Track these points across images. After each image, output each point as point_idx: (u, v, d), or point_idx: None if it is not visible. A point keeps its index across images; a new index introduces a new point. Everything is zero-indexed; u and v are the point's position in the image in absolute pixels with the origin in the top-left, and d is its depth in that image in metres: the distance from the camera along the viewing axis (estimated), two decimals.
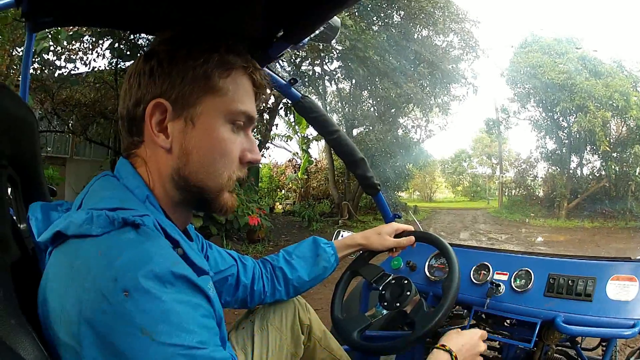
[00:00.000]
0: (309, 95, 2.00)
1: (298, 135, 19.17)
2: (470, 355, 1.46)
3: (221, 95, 0.97)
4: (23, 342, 0.75)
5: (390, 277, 1.74)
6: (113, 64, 9.75)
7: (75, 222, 0.82)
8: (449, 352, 1.40)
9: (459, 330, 1.53)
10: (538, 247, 13.46)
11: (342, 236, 2.15)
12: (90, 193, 0.94)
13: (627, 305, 1.71)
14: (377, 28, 14.61)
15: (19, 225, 1.13)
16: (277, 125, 14.20)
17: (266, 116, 12.36)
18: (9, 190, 1.25)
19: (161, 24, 1.36)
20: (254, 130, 9.84)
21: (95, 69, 10.44)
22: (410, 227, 1.89)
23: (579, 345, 2.04)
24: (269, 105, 12.25)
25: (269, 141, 14.18)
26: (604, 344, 2.00)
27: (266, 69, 1.81)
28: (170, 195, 0.99)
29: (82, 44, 10.12)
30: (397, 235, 1.86)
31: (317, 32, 1.49)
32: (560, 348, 2.12)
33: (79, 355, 0.74)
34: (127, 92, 0.97)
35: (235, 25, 1.41)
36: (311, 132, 18.58)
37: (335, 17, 1.54)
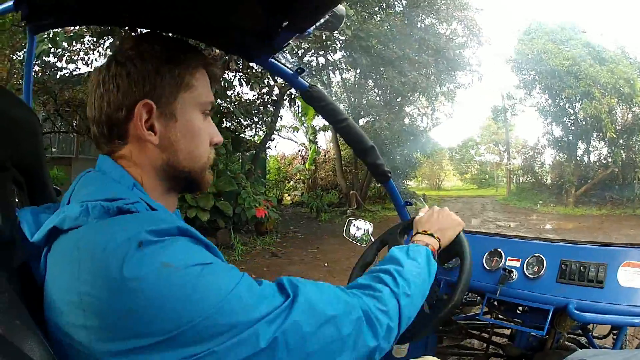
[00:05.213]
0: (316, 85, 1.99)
1: (305, 126, 19.16)
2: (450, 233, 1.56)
3: (192, 91, 1.06)
4: (29, 342, 0.76)
5: None
6: None
7: (71, 215, 0.85)
8: (432, 235, 1.49)
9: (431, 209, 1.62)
10: (547, 234, 13.45)
11: (353, 225, 2.14)
12: (77, 189, 0.97)
13: (638, 292, 1.71)
14: (379, 18, 14.57)
15: None
16: (282, 116, 14.33)
17: (270, 108, 12.34)
18: (15, 192, 1.25)
19: (163, 21, 1.36)
20: (260, 123, 9.91)
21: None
22: None
23: (590, 333, 2.04)
24: (273, 97, 12.25)
25: (275, 132, 14.26)
26: (614, 331, 2.00)
27: (272, 60, 1.81)
28: (159, 184, 1.05)
29: (83, 45, 10.19)
30: None
31: (322, 21, 1.48)
32: (571, 336, 2.12)
33: (95, 335, 0.76)
34: (103, 98, 1.01)
35: (238, 17, 1.40)
36: (318, 122, 18.66)
37: (339, 5, 1.53)
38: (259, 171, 12.08)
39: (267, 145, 13.46)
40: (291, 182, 21.13)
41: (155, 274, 0.76)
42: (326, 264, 8.07)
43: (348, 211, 15.37)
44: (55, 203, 1.03)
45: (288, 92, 11.89)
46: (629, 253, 1.82)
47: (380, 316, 1.01)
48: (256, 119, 12.31)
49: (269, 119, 12.48)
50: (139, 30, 1.44)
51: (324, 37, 11.52)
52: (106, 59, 1.07)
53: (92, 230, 0.82)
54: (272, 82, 11.51)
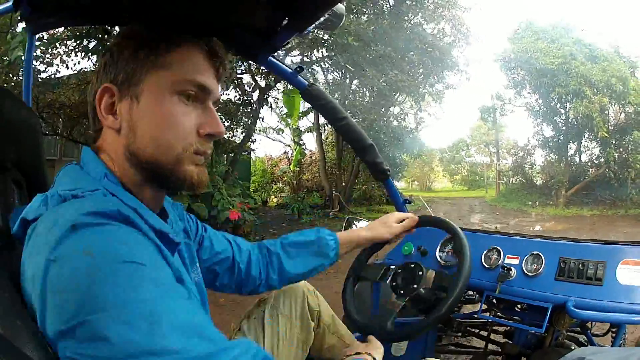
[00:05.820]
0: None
1: (291, 127, 19.11)
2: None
3: (165, 70, 1.00)
4: (30, 343, 0.76)
5: (395, 267, 1.76)
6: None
7: (33, 206, 0.88)
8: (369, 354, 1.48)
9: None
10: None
11: (355, 225, 2.15)
12: (55, 184, 0.99)
13: (637, 290, 1.74)
14: (366, 18, 14.57)
15: None
16: (263, 117, 14.40)
17: (245, 109, 12.33)
18: (15, 192, 1.26)
19: (164, 20, 1.37)
20: (240, 122, 9.85)
21: (81, 70, 10.53)
22: (414, 216, 1.88)
23: (589, 331, 2.07)
24: (250, 98, 12.30)
25: (255, 133, 14.29)
26: (613, 329, 2.03)
27: (272, 58, 1.83)
28: (131, 174, 1.02)
29: (66, 47, 10.20)
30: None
31: (321, 19, 1.50)
32: (570, 334, 2.15)
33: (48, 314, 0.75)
34: (90, 88, 1.04)
35: (239, 16, 1.42)
36: (303, 124, 18.65)
37: (339, 4, 1.55)
38: (235, 173, 12.04)
39: (249, 147, 13.41)
40: (279, 184, 21.01)
41: (74, 259, 0.74)
42: None
43: (330, 213, 15.40)
44: None
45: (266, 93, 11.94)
46: (628, 251, 1.86)
47: None
48: (237, 120, 12.31)
49: (248, 120, 12.46)
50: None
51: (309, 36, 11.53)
52: None
53: (45, 217, 0.83)
54: (246, 81, 11.60)
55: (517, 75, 21.59)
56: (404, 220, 1.86)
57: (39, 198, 0.88)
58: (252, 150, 18.38)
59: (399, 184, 23.11)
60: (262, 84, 12.38)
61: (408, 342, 2.18)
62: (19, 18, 1.52)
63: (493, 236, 2.22)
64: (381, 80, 14.84)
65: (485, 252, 2.09)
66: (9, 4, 1.45)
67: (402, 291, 1.66)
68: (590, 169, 20.56)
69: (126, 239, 0.79)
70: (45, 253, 0.75)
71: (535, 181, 23.77)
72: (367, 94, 17.55)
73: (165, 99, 1.00)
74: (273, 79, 12.40)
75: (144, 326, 0.70)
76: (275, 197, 20.36)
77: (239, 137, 13.16)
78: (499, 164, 28.55)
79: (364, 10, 14.55)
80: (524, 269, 1.95)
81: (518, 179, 25.21)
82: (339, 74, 17.18)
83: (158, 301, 0.74)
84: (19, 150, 1.23)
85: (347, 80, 17.09)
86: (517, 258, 2.00)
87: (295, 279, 1.69)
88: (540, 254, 1.96)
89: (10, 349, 0.73)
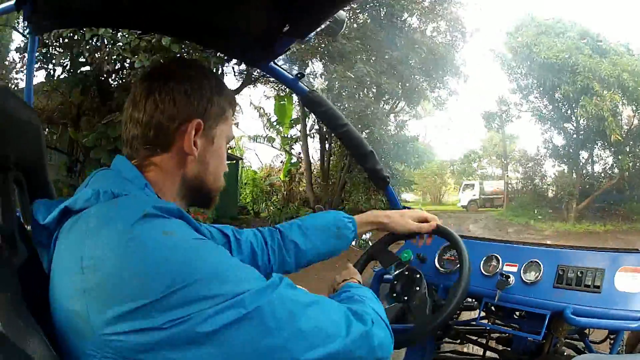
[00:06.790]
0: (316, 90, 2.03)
1: (282, 136, 19.04)
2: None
3: (226, 123, 1.24)
4: (32, 343, 0.79)
5: (405, 268, 1.79)
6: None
7: (83, 197, 0.97)
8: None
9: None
10: None
11: None
12: (92, 182, 1.07)
13: (635, 297, 1.77)
14: (362, 20, 14.42)
15: (25, 227, 1.17)
16: (237, 123, 14.50)
17: None
18: (16, 192, 1.28)
19: (167, 24, 1.41)
20: None
21: (55, 76, 10.84)
22: (435, 218, 1.86)
23: (587, 338, 2.08)
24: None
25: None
26: (612, 336, 2.04)
27: (273, 65, 1.86)
28: (174, 190, 1.18)
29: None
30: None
31: (322, 26, 1.53)
32: (568, 341, 2.16)
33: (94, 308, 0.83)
34: (158, 106, 1.12)
35: (240, 22, 1.46)
36: (295, 132, 18.74)
37: (340, 10, 1.58)
38: None
39: (235, 154, 13.31)
40: (278, 195, 20.82)
41: (155, 240, 0.86)
42: None
43: None
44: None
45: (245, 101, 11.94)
46: (626, 258, 1.89)
47: (363, 308, 1.11)
48: None
49: None
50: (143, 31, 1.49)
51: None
52: (156, 71, 1.20)
53: (101, 207, 0.94)
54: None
55: (520, 74, 21.24)
56: (422, 221, 1.86)
57: (88, 192, 0.97)
58: (241, 158, 18.32)
59: (408, 196, 22.75)
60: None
61: (406, 350, 2.19)
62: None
63: (492, 244, 2.25)
64: (348, 75, 14.57)
65: (483, 259, 2.12)
66: (11, 3, 1.50)
67: (395, 295, 1.71)
68: (604, 180, 19.96)
69: (187, 227, 0.95)
70: (110, 233, 0.86)
71: (545, 194, 23.33)
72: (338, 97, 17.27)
73: (224, 146, 1.25)
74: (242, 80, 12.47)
75: (231, 277, 0.89)
76: (272, 207, 20.24)
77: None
78: (507, 175, 28.31)
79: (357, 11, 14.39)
80: (522, 276, 1.99)
81: (527, 192, 24.86)
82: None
83: (227, 259, 0.94)
84: (20, 149, 1.26)
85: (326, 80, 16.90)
86: (516, 265, 2.03)
87: (313, 261, 1.74)
88: (538, 261, 1.99)
89: (12, 349, 0.76)
